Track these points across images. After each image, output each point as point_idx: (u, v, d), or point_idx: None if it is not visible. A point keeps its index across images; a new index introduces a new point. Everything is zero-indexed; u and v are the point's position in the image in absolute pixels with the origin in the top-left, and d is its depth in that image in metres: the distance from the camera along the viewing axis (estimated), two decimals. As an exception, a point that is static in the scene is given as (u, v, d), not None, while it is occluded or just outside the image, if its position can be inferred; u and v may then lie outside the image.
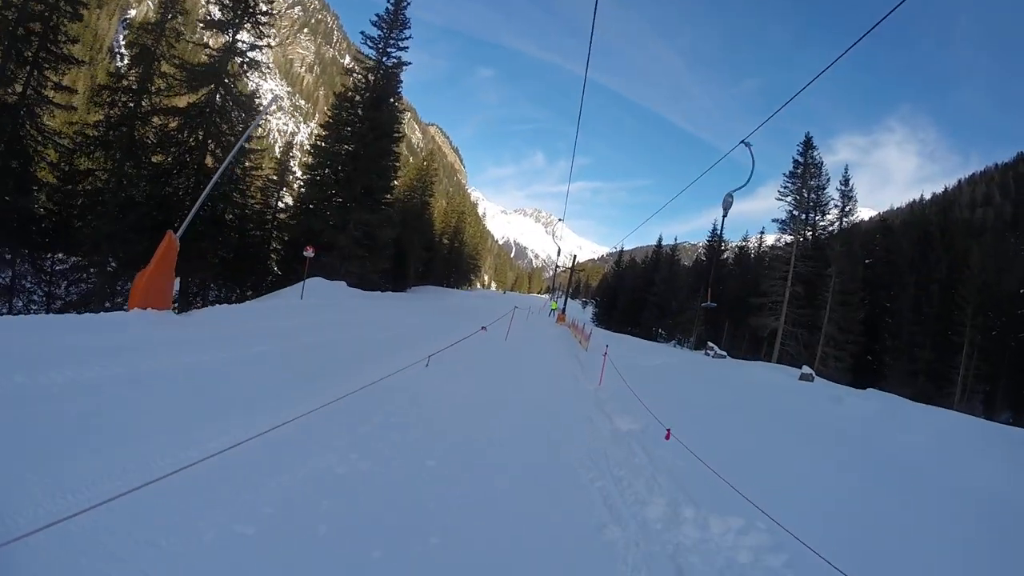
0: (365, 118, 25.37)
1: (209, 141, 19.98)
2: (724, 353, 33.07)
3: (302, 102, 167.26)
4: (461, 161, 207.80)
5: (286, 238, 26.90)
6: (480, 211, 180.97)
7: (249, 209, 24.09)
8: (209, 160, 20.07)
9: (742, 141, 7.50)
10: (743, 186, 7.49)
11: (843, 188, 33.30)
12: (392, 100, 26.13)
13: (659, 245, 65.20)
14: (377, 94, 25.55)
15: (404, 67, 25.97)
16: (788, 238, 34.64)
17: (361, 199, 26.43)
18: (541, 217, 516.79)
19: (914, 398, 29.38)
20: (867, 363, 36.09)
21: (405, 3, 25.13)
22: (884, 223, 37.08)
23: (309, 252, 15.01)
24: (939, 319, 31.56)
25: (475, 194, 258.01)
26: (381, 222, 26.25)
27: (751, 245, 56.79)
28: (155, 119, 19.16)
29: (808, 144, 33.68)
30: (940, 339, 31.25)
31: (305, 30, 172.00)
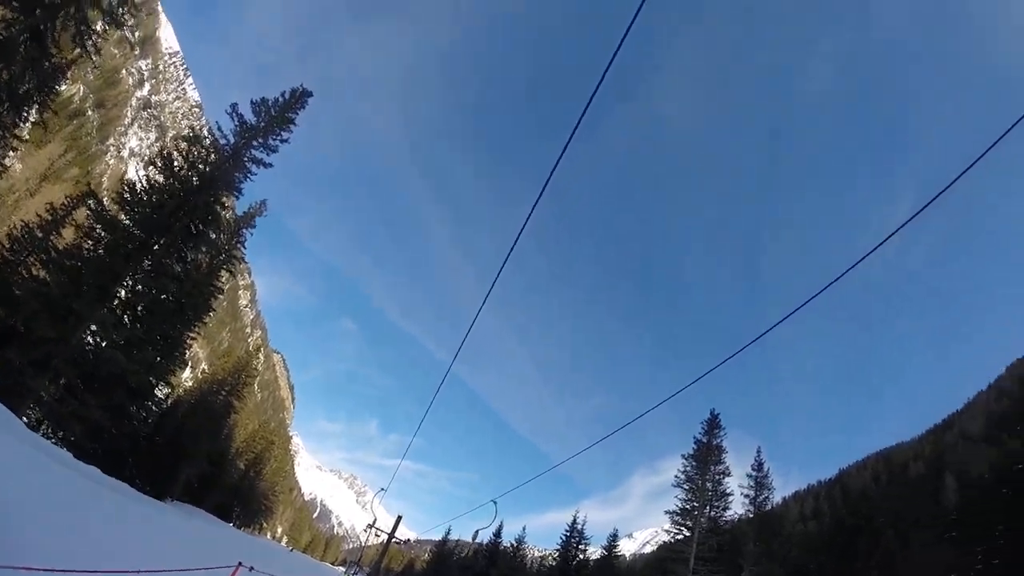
0: (176, 192, 17.40)
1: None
2: None
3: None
4: (293, 400, 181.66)
5: None
6: (294, 458, 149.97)
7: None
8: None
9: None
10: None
11: (755, 473, 28.51)
12: (227, 193, 19.14)
13: (498, 535, 54.10)
14: (212, 176, 18.44)
15: (265, 168, 20.08)
16: (681, 535, 27.58)
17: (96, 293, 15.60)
18: (355, 485, 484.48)
19: None
20: None
21: (302, 103, 20.91)
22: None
23: None
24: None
25: (296, 439, 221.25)
26: (106, 322, 14.95)
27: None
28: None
29: (714, 423, 29.15)
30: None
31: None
